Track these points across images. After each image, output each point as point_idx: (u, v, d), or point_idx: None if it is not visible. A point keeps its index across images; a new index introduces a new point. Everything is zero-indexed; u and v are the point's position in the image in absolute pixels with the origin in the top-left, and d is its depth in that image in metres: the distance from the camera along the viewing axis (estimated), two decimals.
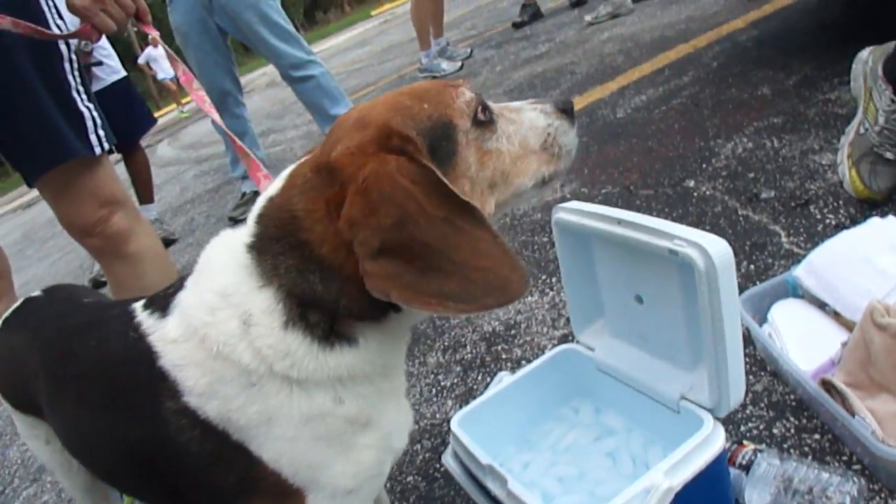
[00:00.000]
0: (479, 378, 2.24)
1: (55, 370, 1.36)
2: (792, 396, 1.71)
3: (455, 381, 2.28)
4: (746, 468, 1.44)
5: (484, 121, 1.14)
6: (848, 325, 1.72)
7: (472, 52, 7.70)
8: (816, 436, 1.60)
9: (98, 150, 2.14)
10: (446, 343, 2.50)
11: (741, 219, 2.47)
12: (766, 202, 2.50)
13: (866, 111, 2.27)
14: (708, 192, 2.73)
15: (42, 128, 2.05)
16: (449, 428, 1.54)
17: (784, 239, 2.27)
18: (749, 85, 3.59)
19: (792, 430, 1.64)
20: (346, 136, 1.07)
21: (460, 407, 2.13)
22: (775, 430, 1.65)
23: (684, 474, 1.23)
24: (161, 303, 1.18)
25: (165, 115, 22.58)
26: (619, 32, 5.86)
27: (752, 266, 2.20)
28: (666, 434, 1.46)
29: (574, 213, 1.45)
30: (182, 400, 1.10)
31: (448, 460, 1.52)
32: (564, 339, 2.24)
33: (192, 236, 5.44)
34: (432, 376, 2.35)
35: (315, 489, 1.12)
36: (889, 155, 2.21)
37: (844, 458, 1.53)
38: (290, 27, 4.81)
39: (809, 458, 1.55)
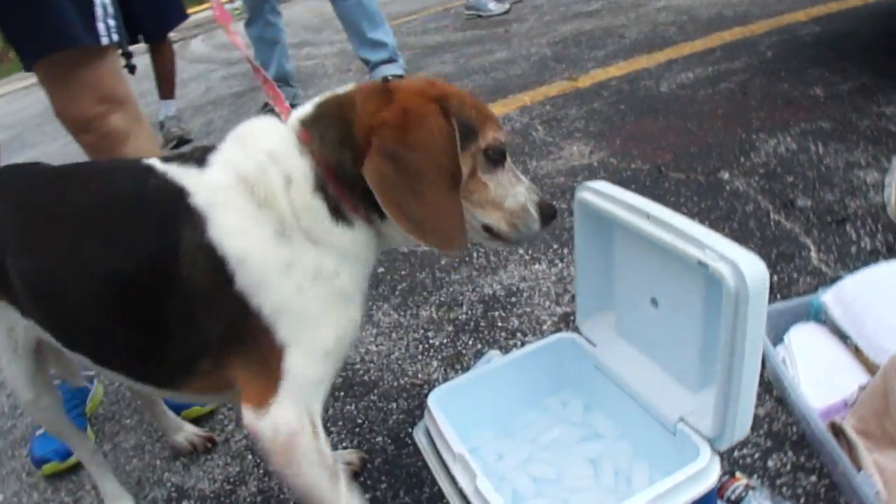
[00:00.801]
0: (470, 343, 2.12)
1: (40, 211, 1.38)
2: (794, 429, 1.59)
3: (444, 341, 2.16)
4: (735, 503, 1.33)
5: (493, 158, 1.34)
6: (868, 366, 1.60)
7: None
8: (813, 478, 1.48)
9: (105, 41, 1.95)
10: (442, 298, 2.38)
11: (772, 223, 2.34)
12: (801, 211, 2.36)
13: None
14: (741, 188, 2.58)
15: (45, 7, 1.87)
16: (428, 391, 1.46)
17: (814, 254, 2.14)
18: (802, 83, 3.42)
19: (788, 466, 1.52)
20: (416, 83, 1.33)
21: (445, 371, 2.02)
22: (770, 463, 1.53)
23: None
24: (191, 158, 1.32)
25: (205, 10, 22.22)
26: (676, 3, 5.66)
27: (775, 277, 2.07)
28: (656, 452, 1.35)
29: (600, 195, 1.32)
30: (206, 234, 1.20)
31: (419, 436, 1.40)
32: (566, 317, 2.12)
33: (207, 139, 5.25)
34: (422, 332, 2.23)
35: (296, 344, 1.22)
36: None
37: None
38: None
39: (802, 502, 1.44)
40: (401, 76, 4.74)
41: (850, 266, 2.05)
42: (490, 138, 1.33)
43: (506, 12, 6.97)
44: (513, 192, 1.36)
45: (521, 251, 2.53)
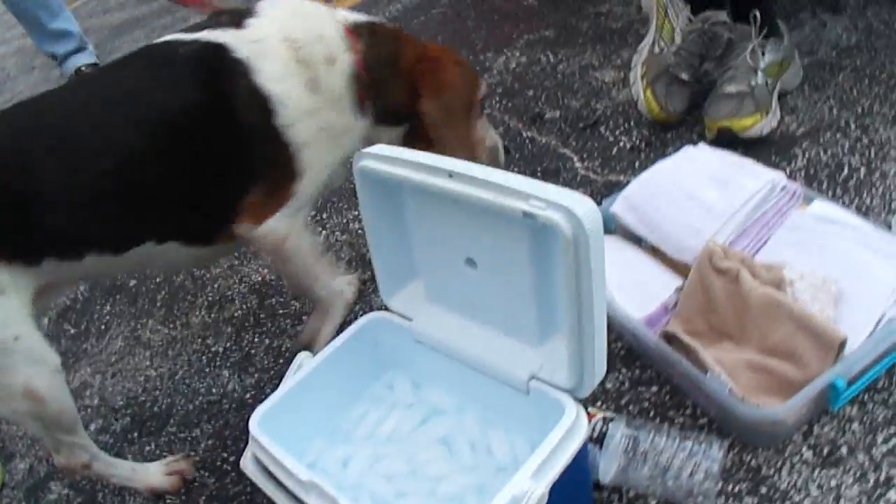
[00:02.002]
0: (256, 340, 1.95)
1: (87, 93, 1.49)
2: (619, 344, 1.56)
3: (228, 345, 1.97)
4: (599, 441, 1.26)
5: (481, 107, 1.83)
6: (672, 265, 1.59)
7: None
8: (654, 388, 1.46)
9: None
10: (210, 298, 2.18)
11: (527, 141, 2.30)
12: (552, 123, 2.34)
13: (661, 29, 2.14)
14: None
15: None
16: (230, 406, 1.46)
17: (578, 164, 2.12)
18: None
19: (626, 384, 1.49)
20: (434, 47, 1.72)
21: (240, 377, 1.85)
22: (609, 385, 1.50)
23: (552, 472, 1.02)
24: (228, 20, 1.52)
25: None
26: None
27: None
28: (509, 415, 1.25)
29: (384, 160, 1.18)
30: (253, 78, 1.45)
31: (249, 467, 1.23)
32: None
33: None
34: (199, 340, 2.03)
35: (307, 171, 1.53)
36: (684, 76, 2.11)
37: (688, 411, 1.40)
38: None
39: (651, 414, 1.42)
40: (95, 65, 4.38)
41: (616, 168, 2.06)
42: (484, 91, 1.80)
43: None
44: (489, 133, 1.86)
45: None
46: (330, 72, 1.53)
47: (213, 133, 1.46)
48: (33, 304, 1.43)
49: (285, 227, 1.55)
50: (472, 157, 1.62)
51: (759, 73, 2.01)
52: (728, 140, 1.94)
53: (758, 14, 2.01)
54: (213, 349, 1.98)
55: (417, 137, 1.69)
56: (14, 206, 1.35)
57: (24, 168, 1.37)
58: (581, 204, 0.95)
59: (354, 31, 1.59)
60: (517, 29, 3.04)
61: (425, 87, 1.64)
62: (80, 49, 4.35)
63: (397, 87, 1.64)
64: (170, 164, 1.45)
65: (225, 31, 1.48)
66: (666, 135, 2.12)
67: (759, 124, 1.95)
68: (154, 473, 1.63)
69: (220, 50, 1.46)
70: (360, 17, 1.64)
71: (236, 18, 1.52)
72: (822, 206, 1.57)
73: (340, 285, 1.80)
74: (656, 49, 2.14)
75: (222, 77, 1.45)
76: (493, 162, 1.79)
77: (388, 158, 1.17)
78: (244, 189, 1.51)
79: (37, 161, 1.37)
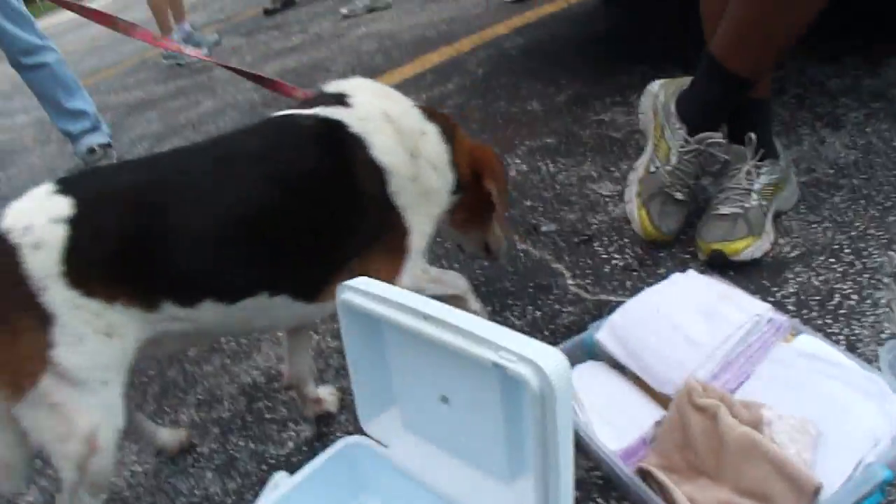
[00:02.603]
0: (241, 444, 1.94)
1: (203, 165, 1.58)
2: (597, 473, 1.55)
3: (213, 446, 1.97)
4: None
5: None
6: (654, 396, 1.58)
7: (219, 38, 7.29)
8: None
9: None
10: (200, 396, 2.18)
11: (521, 254, 2.32)
12: (547, 236, 2.36)
13: (657, 148, 2.16)
14: None
15: None
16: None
17: (570, 280, 2.13)
18: (518, 98, 3.47)
19: None
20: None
21: (222, 481, 1.84)
22: None
23: None
24: (330, 102, 1.72)
25: None
26: (378, 29, 5.67)
27: (538, 312, 2.04)
28: None
29: (364, 294, 1.20)
30: (369, 151, 1.64)
31: None
32: None
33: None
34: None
35: (415, 228, 1.73)
36: (679, 195, 2.12)
37: None
38: (23, 6, 4.25)
39: None
40: (108, 145, 4.45)
41: (607, 287, 2.06)
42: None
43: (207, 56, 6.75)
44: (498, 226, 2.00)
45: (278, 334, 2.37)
46: (425, 140, 1.75)
47: (334, 195, 1.61)
48: (135, 355, 1.48)
49: (410, 281, 1.73)
50: (509, 233, 1.94)
51: (754, 195, 2.03)
52: (720, 263, 1.96)
53: (754, 136, 2.04)
54: (199, 450, 1.97)
55: (463, 209, 1.92)
56: (144, 245, 1.42)
57: (158, 209, 1.45)
58: (550, 359, 0.97)
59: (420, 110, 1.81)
60: (519, 134, 3.09)
61: (486, 169, 1.87)
62: (94, 128, 4.44)
63: (461, 161, 1.83)
64: (293, 219, 1.57)
65: (336, 109, 1.68)
66: (659, 254, 2.13)
67: (750, 248, 1.96)
68: None
69: (338, 125, 1.65)
70: (416, 104, 1.83)
71: (339, 99, 1.72)
72: (808, 341, 1.58)
73: (454, 280, 1.91)
74: (652, 168, 2.17)
75: (344, 148, 1.63)
76: (500, 250, 2.06)
77: (369, 294, 1.20)
78: (355, 248, 1.66)
79: (171, 204, 1.46)
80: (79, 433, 1.39)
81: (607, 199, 2.46)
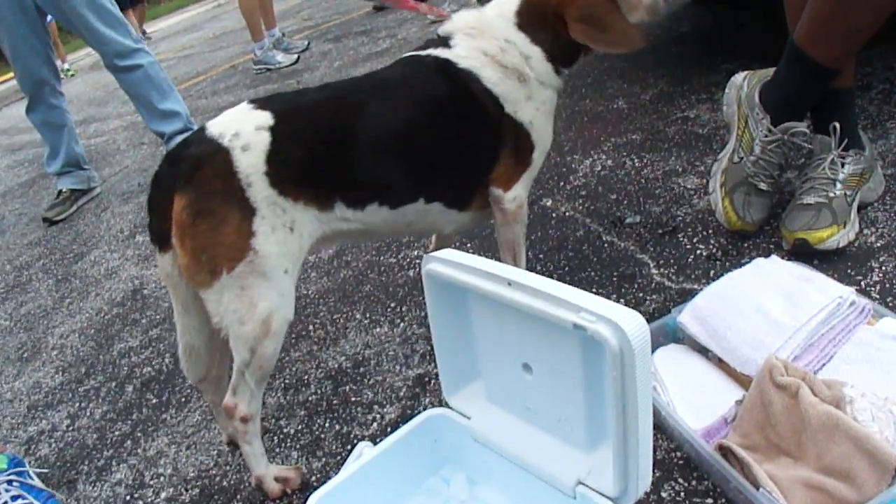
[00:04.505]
0: (327, 425, 2.00)
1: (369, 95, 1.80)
2: (678, 454, 1.56)
3: (299, 427, 2.03)
4: None
5: None
6: (737, 378, 1.59)
7: (309, 44, 7.43)
8: (709, 500, 1.45)
9: None
10: (287, 380, 2.25)
11: (606, 245, 2.34)
12: (632, 228, 2.38)
13: (741, 139, 2.16)
14: (568, 213, 2.59)
15: None
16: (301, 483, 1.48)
17: (654, 270, 2.14)
18: (604, 97, 3.49)
19: (682, 494, 1.48)
20: None
21: (307, 460, 1.90)
22: (664, 494, 1.49)
23: None
24: (437, 45, 1.91)
25: None
26: None
27: (622, 300, 2.06)
28: None
29: (451, 265, 1.24)
30: (482, 83, 1.83)
31: None
32: (420, 380, 2.03)
33: (1, 237, 4.91)
34: (273, 421, 2.09)
35: (539, 144, 1.93)
36: (763, 186, 2.12)
37: None
38: (118, 11, 4.42)
39: None
40: None
41: (691, 276, 2.07)
42: None
43: (295, 63, 6.89)
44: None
45: (358, 316, 2.44)
46: (531, 64, 1.87)
47: (464, 116, 1.83)
48: (310, 250, 1.73)
49: (524, 195, 1.96)
50: (635, 42, 1.87)
51: (838, 185, 2.03)
52: (804, 251, 1.96)
53: (838, 125, 2.03)
54: (284, 430, 2.04)
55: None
56: (325, 153, 1.68)
57: (336, 123, 1.70)
58: (629, 319, 0.99)
59: (519, 22, 1.89)
60: (605, 132, 3.11)
61: (567, 18, 1.85)
62: (185, 129, 4.56)
63: (562, 40, 1.88)
64: (439, 133, 1.81)
65: (443, 51, 1.87)
66: (743, 244, 2.13)
67: (835, 237, 1.95)
68: (268, 472, 1.78)
69: (450, 62, 1.84)
70: (509, 6, 1.92)
71: (442, 42, 1.91)
72: (891, 324, 1.57)
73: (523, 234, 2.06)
74: (736, 158, 2.17)
75: (462, 80, 1.83)
76: (655, 15, 1.97)
77: (454, 264, 1.23)
78: (493, 161, 1.89)
79: (346, 118, 1.72)
80: (257, 316, 1.61)
81: (692, 193, 2.46)
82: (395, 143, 1.77)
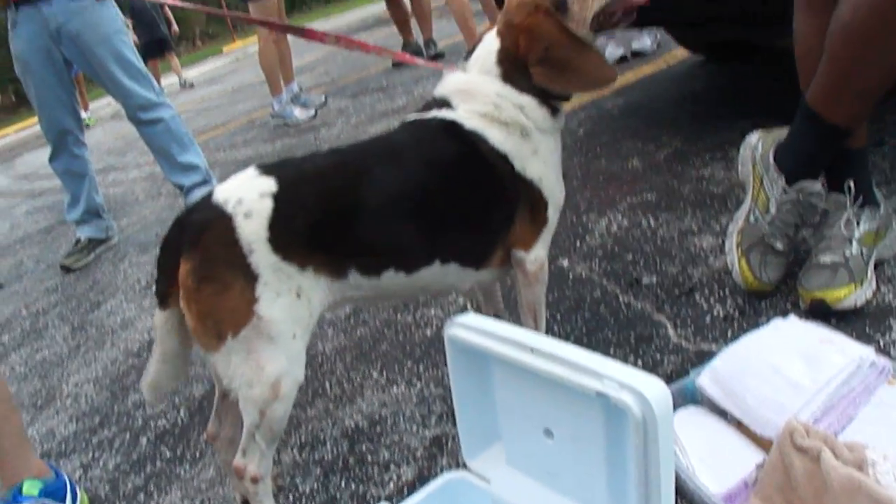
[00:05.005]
0: (343, 485, 1.99)
1: (379, 162, 1.80)
2: None
3: (315, 485, 2.02)
4: None
5: None
6: (756, 440, 1.59)
7: (326, 99, 7.51)
8: None
9: None
10: (303, 438, 2.25)
11: (623, 306, 2.34)
12: (648, 288, 2.38)
13: (756, 199, 2.18)
14: (585, 274, 2.60)
15: None
16: None
17: (671, 331, 2.15)
18: (619, 156, 3.52)
19: None
20: (516, 11, 1.86)
21: None
22: None
23: None
24: (440, 107, 1.90)
25: (2, 137, 21.38)
26: None
27: (639, 361, 2.06)
28: None
29: (473, 330, 1.26)
30: (490, 143, 1.83)
31: None
32: (438, 441, 2.03)
33: (19, 283, 4.96)
34: (288, 479, 2.08)
35: (551, 200, 1.92)
36: (779, 245, 2.13)
37: None
38: (141, 65, 4.53)
39: None
40: None
41: (709, 336, 2.07)
42: None
43: (312, 118, 6.95)
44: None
45: (374, 374, 2.44)
46: (525, 114, 1.85)
47: (476, 176, 1.83)
48: (319, 316, 1.74)
49: (544, 255, 1.96)
50: (603, 78, 1.89)
51: (854, 243, 2.04)
52: (822, 311, 1.96)
53: (852, 184, 2.05)
54: (300, 489, 2.03)
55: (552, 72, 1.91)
56: (335, 220, 1.69)
57: (345, 189, 1.72)
58: (652, 387, 1.00)
59: (502, 73, 1.87)
60: (621, 191, 3.13)
61: (528, 63, 1.84)
62: (204, 182, 4.62)
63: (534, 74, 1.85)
64: (452, 195, 1.81)
65: (447, 112, 1.87)
66: (760, 304, 2.14)
67: (852, 296, 1.96)
68: None
69: (456, 124, 1.84)
70: (489, 59, 1.90)
71: (443, 104, 1.91)
72: None
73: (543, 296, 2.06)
74: (752, 218, 2.18)
75: (469, 140, 1.83)
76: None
77: (476, 329, 1.25)
78: (508, 220, 1.88)
79: (355, 184, 1.73)
80: (266, 379, 1.63)
81: (708, 252, 2.47)
82: (408, 206, 1.78)
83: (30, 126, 18.98)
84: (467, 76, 1.92)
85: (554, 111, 1.91)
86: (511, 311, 2.37)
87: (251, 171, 1.73)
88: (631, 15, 1.91)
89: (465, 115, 1.85)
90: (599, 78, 1.89)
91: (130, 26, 14.81)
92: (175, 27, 16.29)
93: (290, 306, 1.65)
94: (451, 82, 1.93)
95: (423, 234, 1.80)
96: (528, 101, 1.85)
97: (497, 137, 1.83)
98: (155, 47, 15.75)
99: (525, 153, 1.86)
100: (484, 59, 1.91)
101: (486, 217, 1.87)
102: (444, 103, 1.91)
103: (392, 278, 1.78)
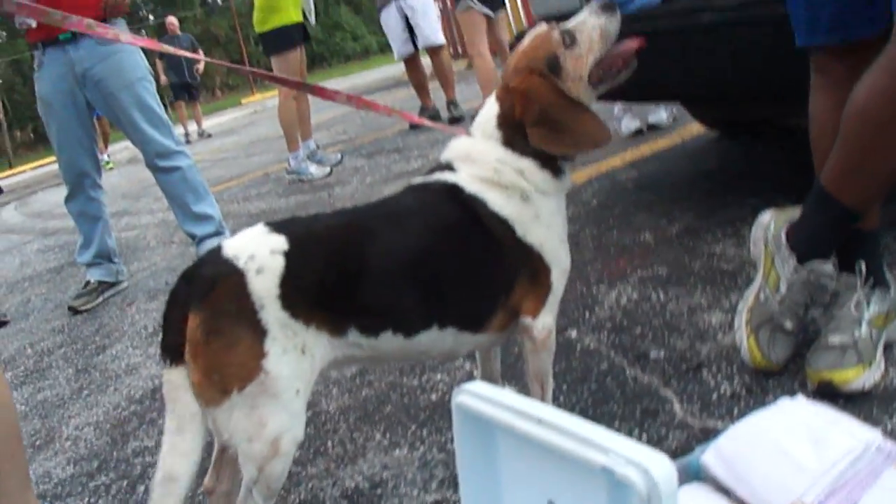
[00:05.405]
0: None
1: (384, 230, 1.82)
2: None
3: None
4: None
5: (570, 43, 1.89)
6: None
7: (342, 158, 7.58)
8: None
9: None
10: (302, 496, 2.23)
11: (630, 380, 2.34)
12: (656, 362, 2.38)
13: (767, 277, 2.19)
14: (592, 346, 2.59)
15: None
16: None
17: (677, 406, 2.14)
18: (631, 229, 3.54)
19: None
20: (512, 74, 1.92)
21: None
22: None
23: None
24: (442, 170, 1.93)
25: (20, 173, 21.58)
26: None
27: (644, 435, 2.06)
28: None
29: (481, 398, 1.25)
30: (489, 207, 1.84)
31: None
32: None
33: (25, 320, 4.97)
34: None
35: (554, 266, 1.91)
36: (789, 325, 2.13)
37: None
38: (163, 113, 4.62)
39: None
40: None
41: (715, 413, 2.07)
42: (559, 41, 1.89)
43: (327, 175, 7.00)
44: (587, 37, 1.91)
45: (377, 436, 2.42)
46: (525, 177, 1.87)
47: (476, 241, 1.85)
48: (321, 373, 1.76)
49: (551, 322, 1.96)
50: (597, 139, 1.91)
51: (864, 325, 2.04)
52: (829, 392, 1.96)
53: (864, 265, 2.06)
54: None
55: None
56: (339, 279, 1.72)
57: (350, 250, 1.76)
58: (658, 464, 1.00)
59: (503, 137, 1.91)
60: (631, 264, 3.14)
61: (525, 124, 1.88)
62: (217, 233, 4.65)
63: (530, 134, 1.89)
64: (452, 259, 1.84)
65: (450, 175, 1.90)
66: (767, 382, 2.13)
67: (860, 378, 1.96)
68: None
69: (457, 187, 1.87)
70: (490, 124, 1.94)
71: (447, 167, 1.93)
72: None
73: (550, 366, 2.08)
74: (762, 297, 2.18)
75: (470, 205, 1.85)
76: (608, 40, 1.93)
77: (484, 398, 1.24)
78: (509, 285, 1.88)
79: (359, 246, 1.76)
80: (266, 436, 1.64)
81: (717, 329, 2.47)
82: (409, 270, 1.80)
83: (47, 164, 19.14)
84: (470, 140, 1.96)
85: (557, 172, 1.92)
86: (518, 380, 2.37)
87: (261, 228, 1.75)
88: (631, 66, 1.95)
89: (466, 179, 1.88)
90: (594, 138, 1.91)
91: (161, 69, 15.05)
92: (200, 66, 16.40)
93: (296, 362, 1.66)
94: (455, 146, 1.97)
95: (422, 297, 1.82)
96: (527, 164, 1.87)
97: (497, 202, 1.85)
98: (182, 89, 16.00)
99: (526, 218, 1.86)
100: (486, 123, 1.94)
101: (485, 282, 1.88)
102: (447, 167, 1.94)
103: (390, 340, 1.80)
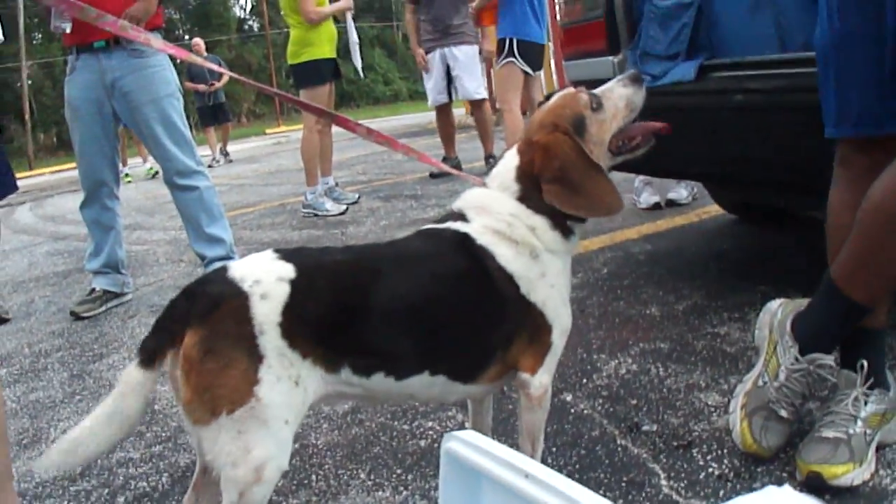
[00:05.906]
0: None
1: (391, 269, 1.84)
2: None
3: None
4: None
5: (596, 107, 1.95)
6: None
7: (359, 197, 7.62)
8: None
9: None
10: None
11: (619, 449, 2.33)
12: (647, 436, 2.38)
13: (767, 364, 2.19)
14: (586, 412, 2.59)
15: None
16: None
17: (664, 482, 2.13)
18: (638, 301, 3.54)
19: None
20: (537, 129, 1.95)
21: None
22: None
23: None
24: (455, 219, 1.93)
25: (38, 175, 21.67)
26: None
27: None
28: None
29: (471, 447, 1.26)
30: (497, 261, 1.85)
31: None
32: None
33: (26, 320, 4.96)
34: None
35: (556, 325, 1.91)
36: (784, 413, 2.13)
37: None
38: (187, 131, 4.65)
39: None
40: None
41: (700, 493, 2.06)
42: (587, 103, 1.95)
43: (342, 213, 7.03)
44: (615, 97, 1.99)
45: (362, 475, 2.41)
46: (536, 235, 1.88)
47: (478, 293, 1.86)
48: (311, 406, 1.76)
49: (548, 380, 1.96)
50: (611, 207, 1.92)
51: (859, 422, 2.04)
52: (817, 485, 1.95)
53: (866, 363, 2.06)
54: None
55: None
56: (339, 315, 1.72)
57: (354, 287, 1.76)
58: None
59: (520, 192, 1.92)
60: (634, 336, 3.14)
61: (541, 180, 1.89)
62: (227, 257, 4.65)
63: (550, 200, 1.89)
64: (452, 309, 1.84)
65: (462, 225, 1.91)
66: (756, 468, 2.13)
67: (850, 474, 1.95)
68: None
69: (468, 237, 1.87)
70: (508, 176, 1.95)
71: (459, 216, 1.94)
72: None
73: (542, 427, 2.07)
74: (760, 382, 2.19)
75: (478, 256, 1.85)
76: (634, 110, 2.00)
77: (475, 447, 1.25)
78: (507, 340, 1.88)
79: (363, 285, 1.77)
80: (251, 462, 1.62)
81: (712, 409, 2.47)
82: (409, 314, 1.80)
83: (66, 170, 19.23)
84: (486, 191, 1.97)
85: (567, 233, 1.93)
86: (508, 436, 2.36)
87: (269, 254, 1.76)
88: (649, 141, 2.00)
89: (478, 230, 1.88)
90: (608, 204, 1.91)
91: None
92: (218, 83, 16.07)
93: (288, 392, 1.66)
94: (470, 196, 1.98)
95: (417, 342, 1.82)
96: (540, 222, 1.88)
97: (506, 256, 1.86)
98: (209, 113, 15.97)
99: (533, 275, 1.87)
100: (503, 175, 1.95)
101: (482, 335, 1.88)
102: (460, 216, 1.94)
103: (381, 381, 1.79)
